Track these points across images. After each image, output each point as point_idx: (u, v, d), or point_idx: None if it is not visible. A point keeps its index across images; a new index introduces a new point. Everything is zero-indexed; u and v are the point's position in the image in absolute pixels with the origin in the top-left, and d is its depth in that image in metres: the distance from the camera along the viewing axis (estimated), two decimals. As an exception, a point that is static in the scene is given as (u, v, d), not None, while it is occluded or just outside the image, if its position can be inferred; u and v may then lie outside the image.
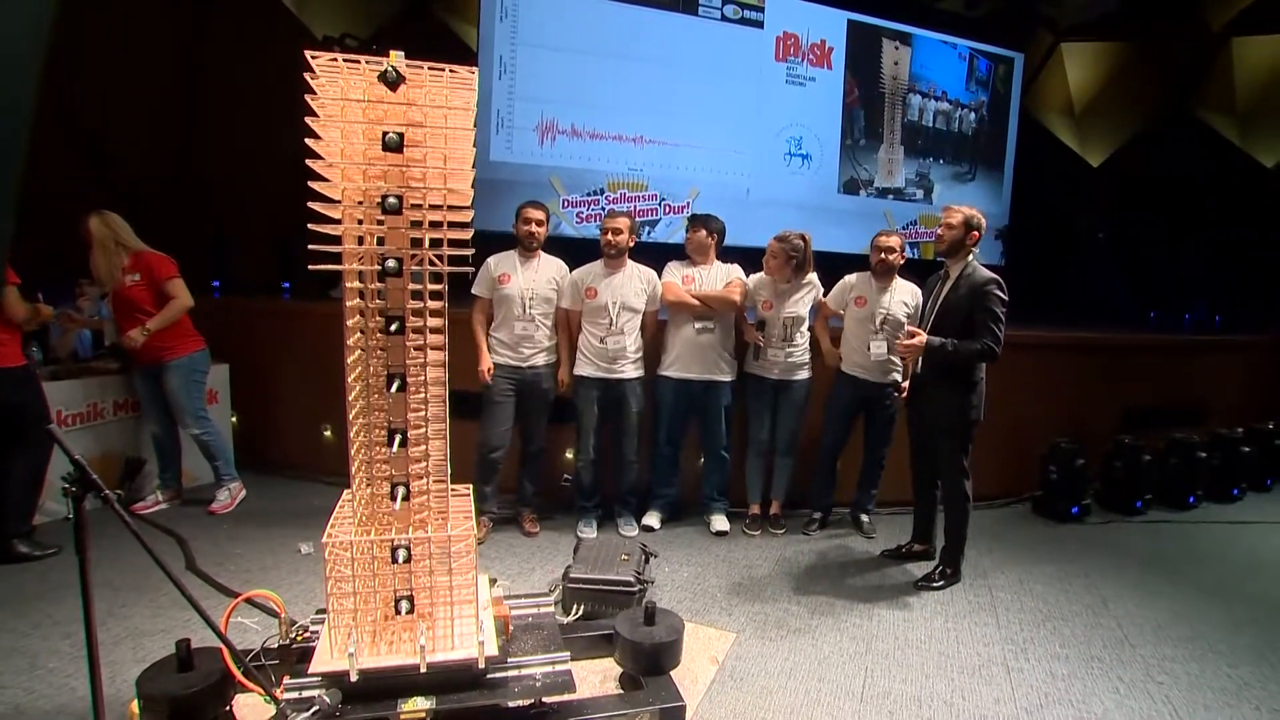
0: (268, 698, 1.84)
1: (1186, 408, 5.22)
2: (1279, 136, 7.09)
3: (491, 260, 3.48)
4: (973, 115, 7.40)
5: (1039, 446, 4.39)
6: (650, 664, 2.27)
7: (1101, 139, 7.95)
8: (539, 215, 3.45)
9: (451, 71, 1.78)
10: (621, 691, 2.27)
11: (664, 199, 6.13)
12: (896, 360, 3.56)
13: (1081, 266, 8.08)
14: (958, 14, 7.26)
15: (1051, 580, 3.39)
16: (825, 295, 3.73)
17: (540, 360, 3.52)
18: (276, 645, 2.16)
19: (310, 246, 1.73)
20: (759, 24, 6.37)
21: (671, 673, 2.30)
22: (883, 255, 3.54)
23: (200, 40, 5.46)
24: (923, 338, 3.03)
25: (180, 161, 5.40)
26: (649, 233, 5.95)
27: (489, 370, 3.45)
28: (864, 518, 3.84)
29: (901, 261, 3.58)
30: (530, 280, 3.46)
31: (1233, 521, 4.38)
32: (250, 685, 1.92)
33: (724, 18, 6.24)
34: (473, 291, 3.47)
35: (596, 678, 2.36)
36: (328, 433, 4.24)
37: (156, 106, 5.26)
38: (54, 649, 2.46)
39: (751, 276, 3.68)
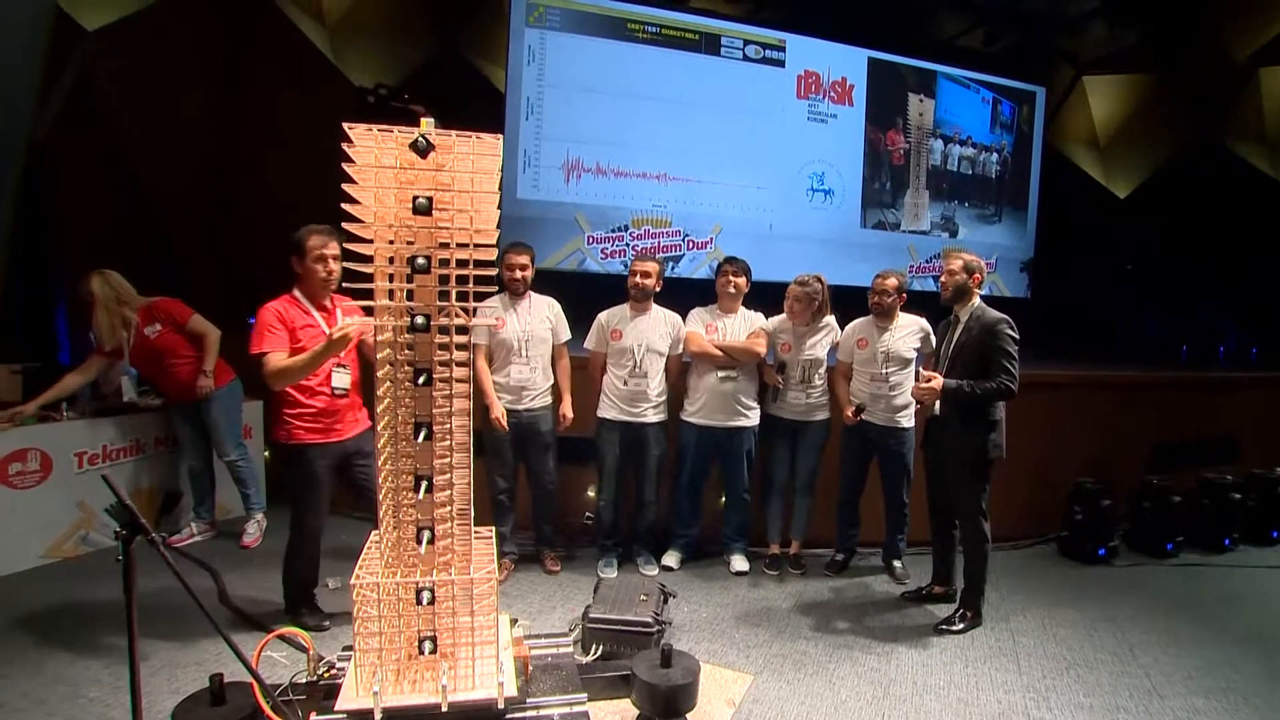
0: (295, 734, 1.91)
1: (1219, 446, 5.11)
2: (1313, 166, 7.01)
3: (481, 306, 3.35)
4: (996, 157, 7.46)
5: (1065, 486, 4.34)
6: (666, 706, 2.29)
7: (1128, 170, 7.92)
8: (522, 260, 3.43)
9: (479, 138, 1.89)
10: (638, 733, 2.30)
11: (687, 235, 6.25)
12: (903, 399, 3.56)
13: (1109, 299, 7.98)
14: (977, 50, 7.35)
15: (1076, 625, 3.33)
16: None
17: (538, 404, 3.51)
18: (304, 681, 2.24)
19: (345, 304, 1.83)
20: (780, 63, 6.52)
21: (688, 715, 2.32)
22: (877, 297, 3.59)
23: (242, 87, 5.74)
24: (939, 381, 3.05)
25: (220, 202, 5.65)
26: (672, 268, 6.05)
27: (502, 417, 3.40)
28: (896, 564, 3.81)
29: (901, 301, 3.61)
30: (525, 323, 3.47)
31: (1271, 566, 4.26)
32: (279, 721, 1.99)
33: (746, 58, 6.41)
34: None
35: (614, 719, 2.39)
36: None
37: (198, 149, 5.52)
38: (95, 678, 2.57)
39: (770, 320, 3.73)
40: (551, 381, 3.59)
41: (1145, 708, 2.67)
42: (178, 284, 3.90)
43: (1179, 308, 7.78)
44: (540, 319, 3.52)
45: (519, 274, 3.44)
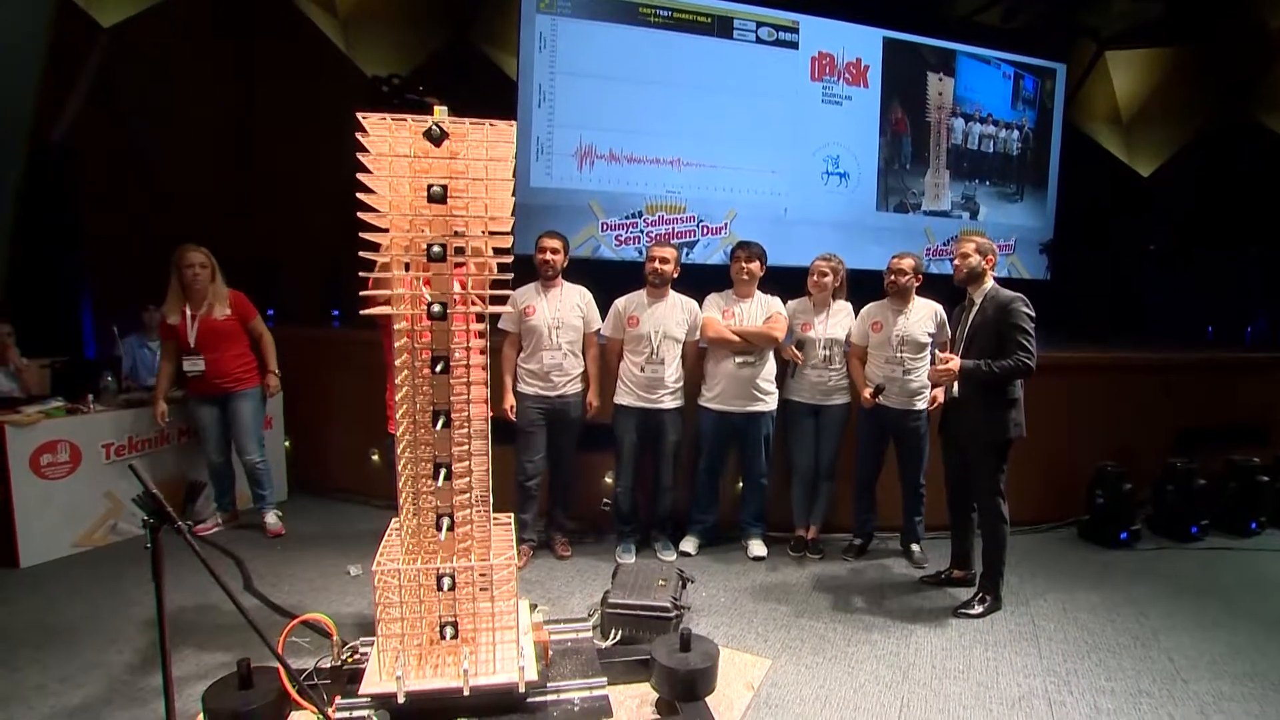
0: (321, 716, 1.95)
1: (1247, 428, 5.01)
2: (1346, 140, 6.80)
3: (515, 294, 3.45)
4: (1017, 134, 7.32)
5: (1086, 469, 4.28)
6: (686, 690, 2.31)
7: (1152, 148, 7.74)
8: (553, 244, 3.48)
9: (492, 125, 1.89)
10: (658, 717, 2.32)
11: (702, 220, 6.21)
12: (918, 382, 3.54)
13: (1133, 280, 7.83)
14: (995, 27, 7.19)
15: (1097, 609, 3.30)
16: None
17: (570, 389, 3.55)
18: (329, 666, 2.28)
19: (362, 293, 1.85)
20: (794, 45, 6.41)
21: (707, 699, 2.34)
22: (893, 277, 3.56)
23: (256, 78, 5.77)
24: (956, 362, 3.03)
25: (236, 193, 5.70)
26: (687, 254, 6.02)
27: (511, 408, 3.49)
28: (915, 548, 3.80)
29: (917, 283, 3.58)
30: (555, 310, 3.51)
31: (1298, 549, 4.19)
32: (305, 704, 2.03)
33: (759, 40, 6.31)
34: (499, 326, 3.46)
35: (634, 702, 2.40)
36: (375, 458, 4.39)
37: (213, 140, 5.57)
38: (127, 661, 2.64)
39: (789, 303, 3.72)
40: (583, 369, 3.61)
41: (1169, 692, 2.64)
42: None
43: (1205, 288, 7.61)
44: (571, 306, 3.54)
45: (548, 256, 3.46)
